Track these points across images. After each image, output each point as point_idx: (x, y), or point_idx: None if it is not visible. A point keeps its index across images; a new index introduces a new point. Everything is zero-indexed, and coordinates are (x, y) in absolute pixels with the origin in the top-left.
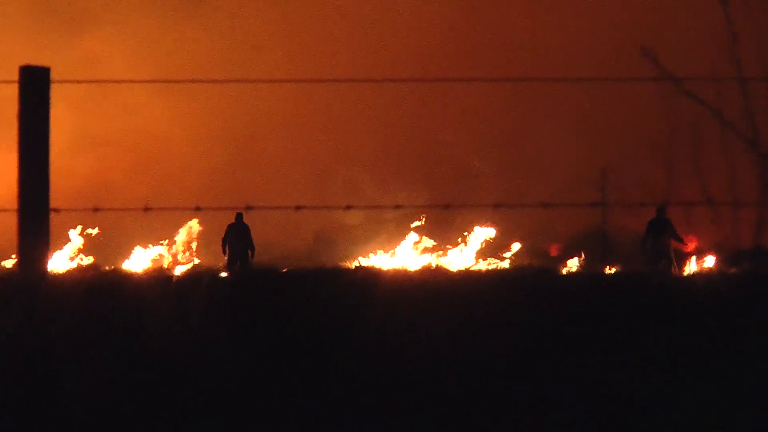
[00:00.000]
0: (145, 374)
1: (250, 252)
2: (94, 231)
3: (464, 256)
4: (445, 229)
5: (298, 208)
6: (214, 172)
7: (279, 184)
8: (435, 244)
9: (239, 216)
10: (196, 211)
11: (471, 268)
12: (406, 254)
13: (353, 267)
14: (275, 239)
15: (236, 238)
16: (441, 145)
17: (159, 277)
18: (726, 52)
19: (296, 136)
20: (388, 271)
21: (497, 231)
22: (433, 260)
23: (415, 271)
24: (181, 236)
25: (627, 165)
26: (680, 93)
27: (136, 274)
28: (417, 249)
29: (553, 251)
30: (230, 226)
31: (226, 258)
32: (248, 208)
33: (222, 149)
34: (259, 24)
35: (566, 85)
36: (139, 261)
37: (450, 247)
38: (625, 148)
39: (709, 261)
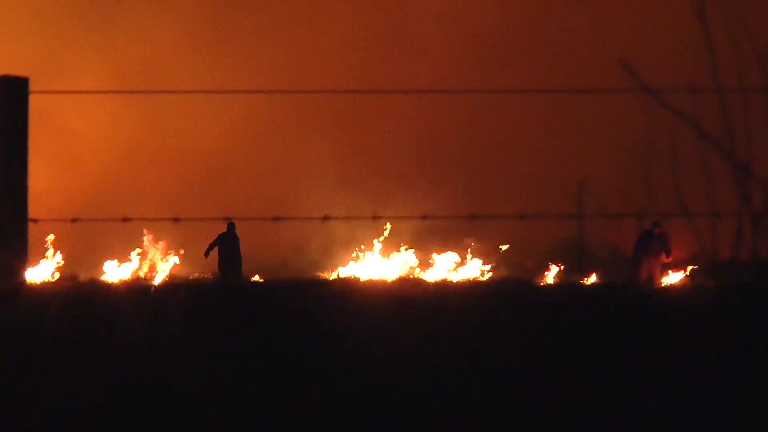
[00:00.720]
0: (121, 384)
1: (237, 262)
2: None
3: (443, 268)
4: (424, 239)
5: (275, 219)
6: (193, 183)
7: (258, 195)
8: (413, 254)
9: (231, 226)
10: (175, 222)
11: (449, 280)
12: (384, 265)
13: (331, 278)
14: (255, 249)
15: (227, 247)
16: (418, 156)
17: (136, 288)
18: (703, 63)
19: (272, 147)
20: (365, 282)
21: (474, 242)
22: (410, 271)
23: (393, 282)
24: (159, 247)
25: (604, 176)
26: (658, 104)
27: (114, 284)
28: (396, 259)
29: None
30: (221, 235)
31: (205, 259)
32: (227, 218)
33: (199, 160)
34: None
35: (544, 97)
36: (117, 272)
37: (429, 257)
38: (603, 159)
39: (688, 273)
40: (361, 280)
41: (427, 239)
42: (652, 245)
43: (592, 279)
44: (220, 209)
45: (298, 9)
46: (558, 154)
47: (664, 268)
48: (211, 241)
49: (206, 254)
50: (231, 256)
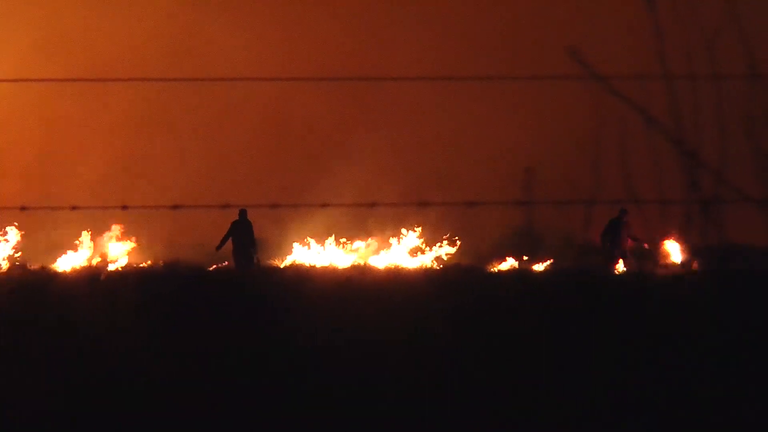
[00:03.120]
0: (69, 372)
1: (252, 250)
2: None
3: (393, 255)
4: (373, 227)
5: (224, 207)
6: (142, 170)
7: (207, 183)
8: (364, 242)
9: (243, 212)
10: (123, 209)
11: (400, 267)
12: (335, 252)
13: (282, 266)
14: (204, 238)
15: (239, 235)
16: (366, 144)
17: (86, 276)
18: (652, 49)
19: (225, 134)
20: (316, 269)
21: (424, 230)
22: (361, 259)
23: (344, 269)
24: (110, 235)
25: (553, 163)
26: (606, 91)
27: (65, 272)
28: (346, 247)
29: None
30: (234, 223)
31: (217, 251)
32: (175, 206)
33: (146, 147)
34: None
35: (491, 84)
36: (68, 260)
37: (378, 245)
38: (551, 146)
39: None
40: (313, 267)
41: (377, 227)
42: (621, 232)
43: (543, 265)
44: (169, 197)
45: None
46: (506, 141)
47: (635, 254)
48: (225, 233)
49: (218, 248)
50: (244, 243)
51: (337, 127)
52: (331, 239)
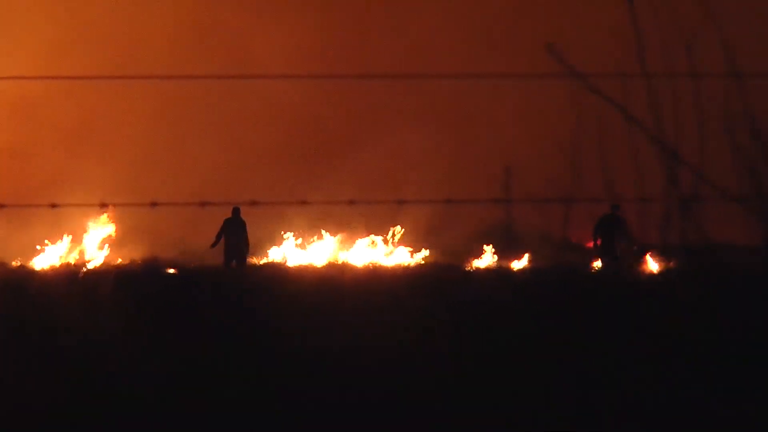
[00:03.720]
0: (48, 369)
1: (245, 249)
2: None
3: (371, 253)
4: (353, 224)
5: (203, 204)
6: (124, 168)
7: (183, 181)
8: (343, 238)
9: (236, 210)
10: (102, 207)
11: (378, 265)
12: (315, 249)
13: (260, 263)
14: (180, 236)
15: (232, 232)
16: (343, 142)
17: (65, 274)
18: (631, 47)
19: (200, 132)
20: (294, 267)
21: (403, 227)
22: (340, 256)
23: (322, 267)
24: (90, 233)
25: (532, 161)
26: (586, 89)
27: (43, 270)
28: (325, 244)
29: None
30: (227, 221)
31: (212, 248)
32: (153, 204)
33: (127, 145)
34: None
35: (469, 81)
36: (47, 258)
37: (359, 241)
38: (530, 144)
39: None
40: (290, 265)
41: (355, 225)
42: (612, 229)
43: (522, 263)
44: (149, 195)
45: None
46: (485, 139)
47: (628, 252)
48: (218, 230)
49: (213, 245)
50: (236, 242)
51: (319, 125)
52: (310, 237)
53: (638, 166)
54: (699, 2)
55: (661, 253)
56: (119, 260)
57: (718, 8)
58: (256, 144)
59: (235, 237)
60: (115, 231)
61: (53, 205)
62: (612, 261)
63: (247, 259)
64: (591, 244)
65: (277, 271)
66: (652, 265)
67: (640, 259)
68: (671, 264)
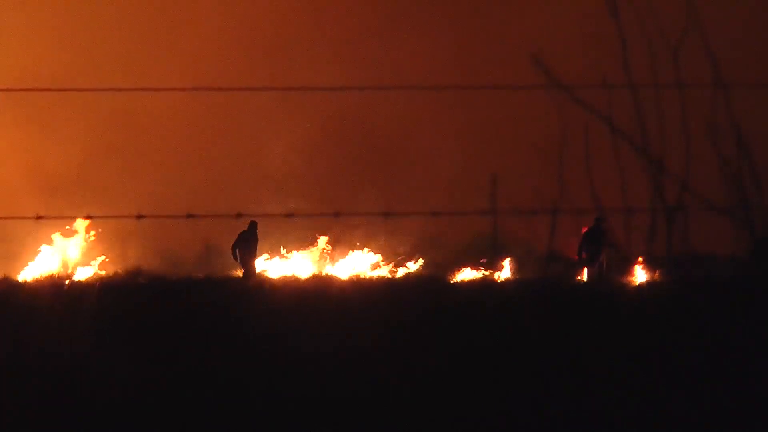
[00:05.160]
0: (34, 378)
1: (252, 263)
2: None
3: (356, 264)
4: (339, 237)
5: (189, 216)
6: (108, 180)
7: (170, 192)
8: (329, 251)
9: (252, 224)
10: (87, 219)
11: (362, 277)
12: (299, 262)
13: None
14: (167, 246)
15: (246, 246)
16: (328, 152)
17: (50, 286)
18: (616, 59)
19: (189, 142)
20: (279, 279)
21: (390, 240)
22: (325, 268)
23: (306, 279)
24: (75, 244)
25: (518, 172)
26: (571, 100)
27: (26, 282)
28: (311, 256)
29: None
30: (242, 234)
31: (237, 262)
32: (139, 216)
33: (113, 157)
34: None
35: (455, 92)
36: (32, 270)
37: (343, 254)
38: (516, 155)
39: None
40: (274, 278)
41: (340, 236)
42: (598, 241)
43: (506, 274)
44: (135, 206)
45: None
46: (471, 150)
47: (615, 263)
48: (233, 243)
49: (234, 256)
50: (245, 255)
51: (300, 138)
52: (294, 249)
53: (624, 177)
54: (684, 14)
55: (646, 264)
56: (103, 272)
57: (703, 19)
58: (242, 156)
59: (248, 250)
60: (100, 243)
61: (38, 217)
62: (598, 272)
63: (253, 270)
64: (576, 257)
65: (261, 282)
66: (639, 275)
67: (626, 269)
68: (657, 275)
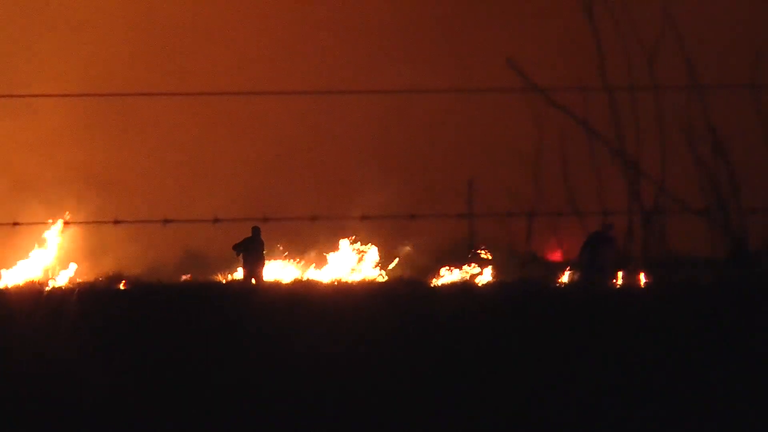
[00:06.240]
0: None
1: (259, 269)
2: None
3: (337, 268)
4: (315, 241)
5: (166, 221)
6: (87, 184)
7: (147, 197)
8: (305, 255)
9: (255, 230)
10: (65, 225)
11: (343, 281)
12: (280, 267)
13: (225, 282)
14: (148, 253)
15: (250, 251)
16: (307, 157)
17: (30, 293)
18: (592, 62)
19: (161, 149)
20: (258, 284)
21: (368, 243)
22: (304, 272)
23: (287, 284)
24: (54, 250)
25: (494, 176)
26: (547, 103)
27: (6, 288)
28: (290, 261)
29: None
30: (246, 240)
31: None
32: (117, 222)
33: (90, 163)
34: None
35: (431, 96)
36: (11, 276)
37: (322, 259)
38: (492, 159)
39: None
40: (254, 282)
41: (319, 241)
42: (603, 247)
43: (485, 277)
44: (113, 213)
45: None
46: (447, 154)
47: (615, 270)
48: (235, 243)
49: (237, 253)
50: (253, 260)
51: (281, 140)
52: (274, 253)
53: (600, 180)
54: (659, 16)
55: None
56: (81, 279)
57: (679, 21)
58: (219, 161)
59: (253, 256)
60: (81, 248)
61: (15, 224)
62: (598, 277)
63: (262, 275)
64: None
65: (245, 287)
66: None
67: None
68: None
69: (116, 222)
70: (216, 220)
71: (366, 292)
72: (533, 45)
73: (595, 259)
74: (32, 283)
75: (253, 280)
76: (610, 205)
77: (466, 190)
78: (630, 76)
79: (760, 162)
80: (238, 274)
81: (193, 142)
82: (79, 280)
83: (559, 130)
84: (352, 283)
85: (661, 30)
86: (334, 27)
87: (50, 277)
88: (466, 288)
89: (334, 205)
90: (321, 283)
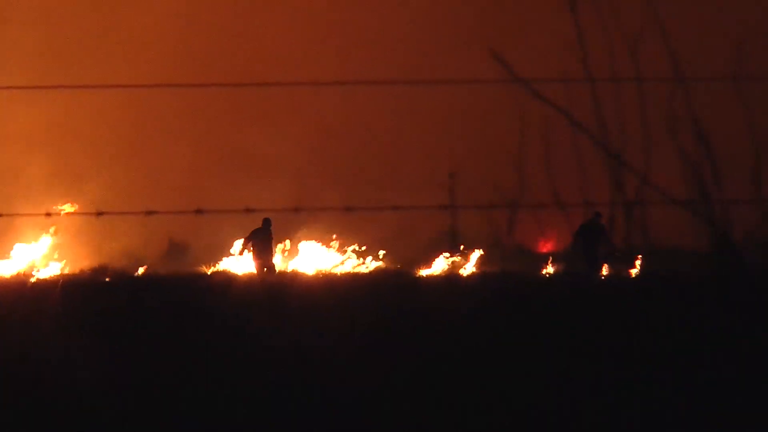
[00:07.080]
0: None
1: (270, 261)
2: None
3: (322, 259)
4: (300, 232)
5: (149, 213)
6: (70, 177)
7: (130, 188)
8: (290, 247)
9: (266, 221)
10: (47, 217)
11: (329, 272)
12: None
13: (209, 272)
14: (133, 243)
15: (260, 243)
16: (291, 149)
17: (14, 285)
18: (575, 53)
19: (149, 139)
20: (243, 275)
21: (352, 235)
22: (290, 263)
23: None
24: (38, 242)
25: (477, 167)
26: (529, 94)
27: None
28: (276, 252)
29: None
30: (254, 231)
31: (240, 256)
32: (100, 213)
33: (76, 153)
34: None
35: (414, 88)
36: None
37: (306, 250)
38: (475, 150)
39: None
40: (239, 274)
41: (302, 232)
42: (592, 236)
43: (470, 268)
44: (94, 203)
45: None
46: (429, 146)
47: (606, 259)
48: (245, 237)
49: (241, 252)
50: (263, 252)
51: (264, 132)
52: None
53: (583, 171)
54: (642, 8)
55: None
56: (67, 269)
57: (661, 14)
58: (204, 152)
59: (263, 247)
60: (63, 240)
61: None
62: (592, 266)
63: (274, 266)
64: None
65: (227, 279)
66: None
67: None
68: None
69: (99, 214)
70: (198, 212)
71: (350, 283)
72: (516, 36)
73: (588, 249)
74: (18, 275)
75: (266, 269)
76: (593, 196)
77: (449, 182)
78: (613, 67)
79: (742, 153)
80: (232, 266)
81: (177, 132)
82: (65, 271)
83: (541, 121)
84: (336, 275)
85: (643, 22)
86: (314, 19)
87: (35, 269)
88: (449, 279)
89: (317, 197)
90: (305, 275)
